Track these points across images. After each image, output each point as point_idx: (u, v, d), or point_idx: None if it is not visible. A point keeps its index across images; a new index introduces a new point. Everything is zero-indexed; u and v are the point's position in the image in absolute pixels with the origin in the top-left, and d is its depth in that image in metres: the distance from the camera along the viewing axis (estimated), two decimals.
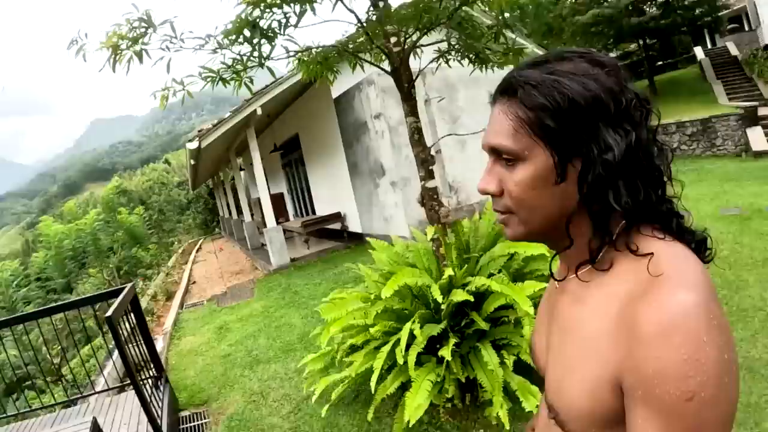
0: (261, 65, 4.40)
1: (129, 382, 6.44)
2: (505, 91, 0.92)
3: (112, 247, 24.34)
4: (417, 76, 4.66)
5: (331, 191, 13.54)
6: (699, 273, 0.80)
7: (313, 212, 15.59)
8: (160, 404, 4.81)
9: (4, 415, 6.22)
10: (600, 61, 0.87)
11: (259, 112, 10.77)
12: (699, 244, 0.91)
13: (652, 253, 0.83)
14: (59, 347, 12.70)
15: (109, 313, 3.96)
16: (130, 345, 4.55)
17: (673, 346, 0.72)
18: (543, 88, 0.85)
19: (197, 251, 20.60)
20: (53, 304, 6.10)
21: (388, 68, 4.56)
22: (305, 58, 4.70)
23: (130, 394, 5.37)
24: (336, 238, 13.06)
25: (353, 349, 4.17)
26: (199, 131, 10.69)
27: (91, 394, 5.89)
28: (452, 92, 10.28)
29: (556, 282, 1.05)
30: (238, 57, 4.23)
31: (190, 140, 10.59)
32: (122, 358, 4.11)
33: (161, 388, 5.21)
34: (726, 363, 0.73)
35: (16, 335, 8.69)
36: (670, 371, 0.72)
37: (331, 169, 13.08)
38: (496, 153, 0.93)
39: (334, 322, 4.03)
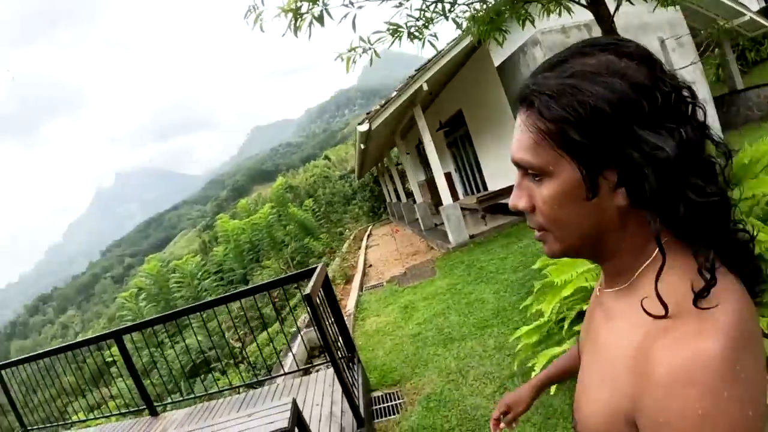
0: (446, 16, 4.22)
1: (315, 364, 6.50)
2: (524, 101, 0.82)
3: (284, 240, 25.40)
4: (618, 7, 4.27)
5: (504, 164, 12.93)
6: (734, 314, 0.70)
7: (485, 188, 15.15)
8: (355, 383, 4.71)
9: (192, 395, 6.44)
10: (627, 52, 0.77)
11: (425, 87, 10.53)
12: (752, 274, 0.80)
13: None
14: (243, 332, 13.32)
15: (307, 291, 3.92)
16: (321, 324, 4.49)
17: (687, 400, 0.65)
18: (562, 98, 0.76)
19: (368, 237, 20.91)
20: (245, 288, 6.28)
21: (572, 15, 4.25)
22: (480, 13, 4.53)
23: (319, 375, 5.40)
24: (512, 212, 12.48)
25: (581, 316, 3.71)
26: (367, 114, 10.68)
27: (278, 375, 6.00)
28: None
29: (596, 289, 1.00)
30: (425, 6, 4.05)
31: (359, 123, 10.60)
32: (321, 334, 4.07)
33: (354, 368, 5.14)
34: (749, 421, 0.64)
35: (204, 319, 9.16)
36: (681, 425, 0.65)
37: (502, 140, 12.52)
38: (522, 167, 0.85)
39: (566, 285, 3.58)
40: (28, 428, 7.34)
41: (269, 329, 11.63)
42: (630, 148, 0.72)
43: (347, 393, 4.12)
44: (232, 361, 11.04)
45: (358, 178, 30.72)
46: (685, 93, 0.76)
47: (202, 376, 12.09)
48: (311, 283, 4.13)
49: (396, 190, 22.22)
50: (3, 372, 7.31)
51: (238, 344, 12.18)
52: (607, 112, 0.72)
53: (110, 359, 10.71)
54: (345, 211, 35.55)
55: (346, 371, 5.27)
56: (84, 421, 7.60)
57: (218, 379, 9.76)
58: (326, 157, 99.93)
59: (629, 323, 0.79)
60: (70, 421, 7.67)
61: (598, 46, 0.78)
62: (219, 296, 6.09)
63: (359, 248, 18.20)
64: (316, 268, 5.02)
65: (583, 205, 0.78)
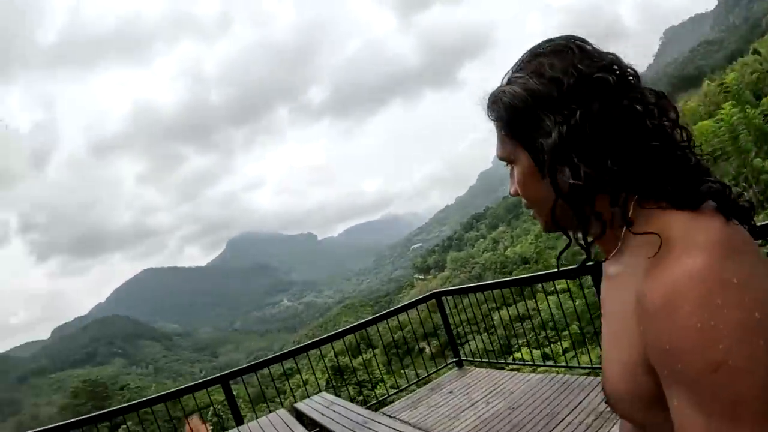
0: None
1: None
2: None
3: (747, 148, 21.26)
4: None
5: None
6: (712, 231, 0.74)
7: None
8: None
9: None
10: (552, 50, 0.87)
11: None
12: (737, 210, 0.80)
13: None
14: None
15: None
16: None
17: (682, 317, 0.67)
18: (495, 102, 0.91)
19: None
20: None
21: None
22: None
23: None
24: None
25: None
26: None
27: None
28: None
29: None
30: None
31: None
32: None
33: None
34: (756, 322, 0.65)
35: None
36: (685, 343, 0.67)
37: None
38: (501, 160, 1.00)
39: None
40: (462, 359, 7.44)
41: None
42: (536, 134, 0.85)
43: None
44: None
45: None
46: (609, 69, 0.81)
47: None
48: None
49: None
50: (444, 298, 7.75)
51: None
52: (519, 108, 0.85)
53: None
54: None
55: None
56: (527, 364, 7.96)
57: None
58: (755, 52, 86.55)
59: (627, 278, 0.82)
60: (509, 362, 8.13)
61: (533, 53, 0.89)
62: None
63: None
64: None
65: (544, 185, 0.87)
